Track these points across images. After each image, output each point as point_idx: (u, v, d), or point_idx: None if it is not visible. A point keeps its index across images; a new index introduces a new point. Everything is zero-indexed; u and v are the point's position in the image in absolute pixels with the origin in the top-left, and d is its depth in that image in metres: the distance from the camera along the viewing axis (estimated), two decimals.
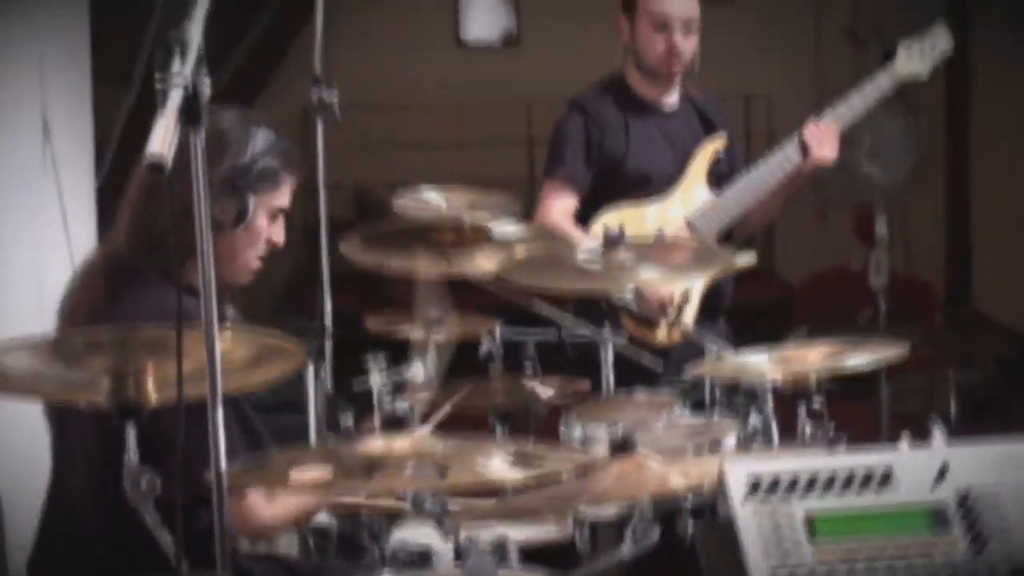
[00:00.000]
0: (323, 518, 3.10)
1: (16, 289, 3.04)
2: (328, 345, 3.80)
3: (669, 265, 3.60)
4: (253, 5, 8.32)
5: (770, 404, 3.28)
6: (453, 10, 10.10)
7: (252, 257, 2.93)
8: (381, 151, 9.55)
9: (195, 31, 1.95)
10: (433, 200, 3.78)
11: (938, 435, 2.41)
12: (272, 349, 2.30)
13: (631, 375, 3.73)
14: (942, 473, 2.29)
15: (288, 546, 3.83)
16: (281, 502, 2.72)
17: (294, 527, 3.19)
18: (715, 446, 3.14)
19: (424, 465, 2.23)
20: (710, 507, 2.73)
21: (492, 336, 3.56)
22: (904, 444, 2.40)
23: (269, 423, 2.86)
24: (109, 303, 2.73)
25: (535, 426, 3.69)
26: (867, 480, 2.29)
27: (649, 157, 4.31)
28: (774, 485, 2.27)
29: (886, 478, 2.30)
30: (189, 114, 1.93)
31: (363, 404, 3.36)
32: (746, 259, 4.31)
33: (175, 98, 1.90)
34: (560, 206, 4.27)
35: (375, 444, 2.33)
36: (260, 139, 2.87)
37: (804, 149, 4.27)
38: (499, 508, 2.56)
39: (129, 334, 2.24)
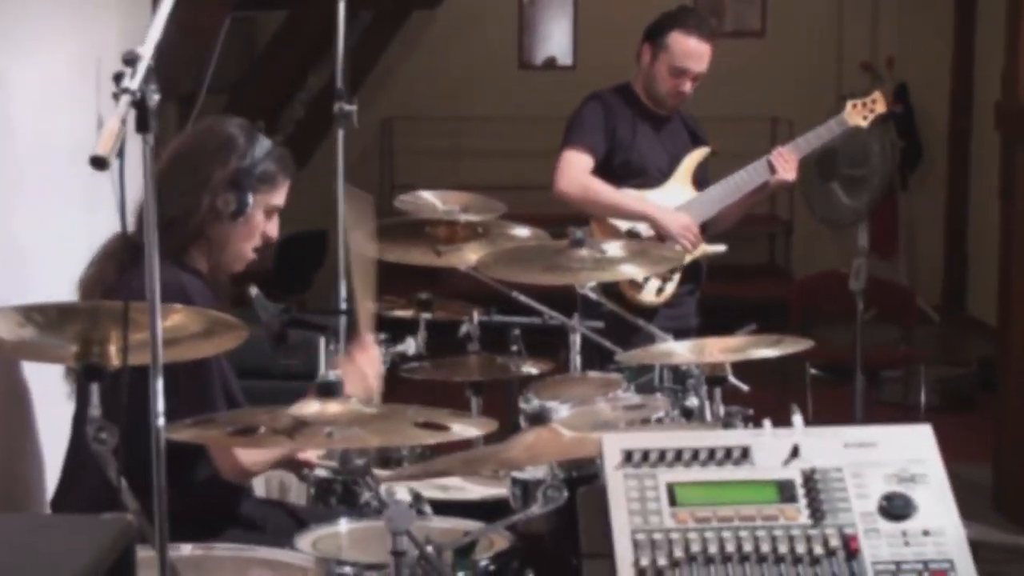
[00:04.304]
0: (324, 472, 3.22)
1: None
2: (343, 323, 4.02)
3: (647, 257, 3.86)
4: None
5: (704, 387, 3.45)
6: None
7: (248, 248, 3.08)
8: (447, 159, 10.14)
9: (147, 49, 2.08)
10: (430, 201, 4.02)
11: (797, 420, 2.52)
12: (221, 323, 2.42)
13: (602, 358, 3.94)
14: (794, 453, 2.40)
15: (297, 494, 4.03)
16: (255, 452, 2.87)
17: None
18: (646, 423, 3.32)
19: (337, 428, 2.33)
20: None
21: (471, 320, 3.79)
22: (767, 427, 2.48)
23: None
24: (119, 279, 2.88)
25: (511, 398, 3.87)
26: (727, 456, 2.40)
27: (649, 152, 4.66)
28: (644, 457, 2.38)
29: (744, 455, 2.40)
30: (139, 122, 2.06)
31: None
32: (717, 248, 4.69)
33: (123, 106, 2.02)
34: (582, 164, 4.57)
35: (309, 406, 2.41)
36: (261, 146, 3.04)
37: (771, 169, 4.65)
38: (420, 469, 2.72)
39: (98, 306, 2.37)
